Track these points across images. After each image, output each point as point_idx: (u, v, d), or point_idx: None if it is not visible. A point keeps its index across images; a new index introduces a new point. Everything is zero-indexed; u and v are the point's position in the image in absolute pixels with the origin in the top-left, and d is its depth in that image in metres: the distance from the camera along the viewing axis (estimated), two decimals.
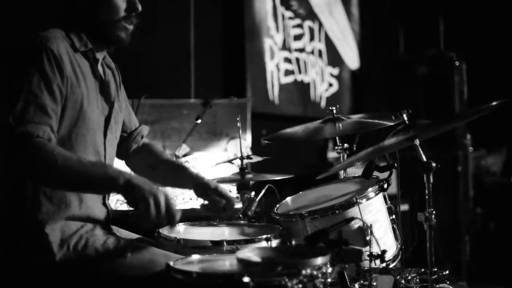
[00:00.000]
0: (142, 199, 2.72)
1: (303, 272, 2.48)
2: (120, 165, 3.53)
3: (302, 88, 8.46)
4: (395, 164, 3.50)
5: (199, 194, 3.41)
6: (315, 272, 2.51)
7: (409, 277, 3.33)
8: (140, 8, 3.14)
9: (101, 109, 3.15)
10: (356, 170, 4.52)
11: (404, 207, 6.29)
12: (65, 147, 2.92)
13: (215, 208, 3.39)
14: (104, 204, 3.20)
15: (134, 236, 3.38)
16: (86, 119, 3.00)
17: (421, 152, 2.94)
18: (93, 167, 2.81)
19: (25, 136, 2.73)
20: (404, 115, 3.05)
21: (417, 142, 2.97)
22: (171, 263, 2.64)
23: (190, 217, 3.60)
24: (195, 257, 2.84)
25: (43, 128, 2.78)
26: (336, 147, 4.35)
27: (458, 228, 8.05)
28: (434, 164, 2.89)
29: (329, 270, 2.61)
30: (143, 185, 2.75)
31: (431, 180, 2.90)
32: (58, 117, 2.88)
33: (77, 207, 3.01)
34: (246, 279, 2.39)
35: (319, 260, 2.55)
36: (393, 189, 3.72)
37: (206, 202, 3.43)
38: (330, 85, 9.04)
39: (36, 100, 2.79)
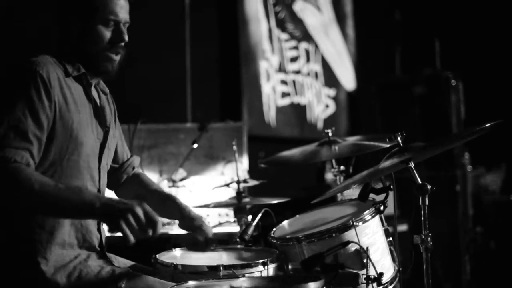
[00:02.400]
0: (120, 217, 2.70)
1: None
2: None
3: (299, 110, 8.47)
4: (391, 186, 3.50)
5: (182, 226, 3.39)
6: None
7: None
8: (126, 38, 3.13)
9: (96, 134, 3.15)
10: (352, 193, 4.51)
11: (402, 227, 6.26)
12: (56, 173, 2.92)
13: (194, 244, 3.38)
14: (99, 229, 3.19)
15: (130, 263, 3.36)
16: (79, 144, 2.99)
17: (416, 174, 2.95)
18: (70, 193, 2.78)
19: (2, 161, 2.72)
20: (399, 138, 3.06)
21: (411, 164, 2.98)
22: None
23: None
24: (191, 283, 2.83)
25: (21, 153, 2.76)
26: (332, 169, 4.35)
27: (458, 247, 8.03)
28: (429, 187, 2.89)
29: None
30: (117, 203, 2.74)
31: (427, 203, 2.90)
32: (41, 143, 2.86)
33: (70, 234, 3.00)
34: None
35: (312, 286, 2.55)
36: (390, 209, 3.72)
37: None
38: (327, 106, 9.06)
39: (18, 125, 2.78)
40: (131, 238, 2.73)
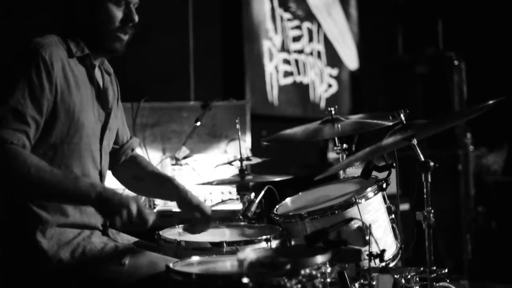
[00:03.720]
0: (114, 211, 2.73)
1: (302, 272, 2.48)
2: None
3: (301, 89, 8.46)
4: (394, 164, 3.51)
5: (181, 208, 3.40)
6: (314, 272, 2.52)
7: (409, 276, 3.33)
8: (136, 19, 3.13)
9: (98, 116, 3.14)
10: (355, 171, 4.52)
11: (404, 206, 6.28)
12: (57, 155, 2.92)
13: (194, 224, 3.38)
14: None
15: (133, 239, 3.38)
16: (80, 127, 2.99)
17: (419, 151, 2.95)
18: (65, 179, 2.80)
19: None
20: (402, 115, 3.06)
21: (414, 141, 2.98)
22: (171, 265, 2.65)
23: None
24: (195, 258, 2.85)
25: (18, 135, 2.76)
26: (335, 148, 4.36)
27: (460, 226, 8.05)
28: (432, 164, 2.90)
29: (328, 270, 2.62)
30: (113, 197, 2.76)
31: (429, 179, 2.91)
32: (39, 126, 2.86)
33: (73, 214, 3.01)
34: (245, 280, 2.40)
35: (319, 259, 2.56)
36: (393, 188, 3.73)
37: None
38: (329, 86, 9.05)
39: (16, 107, 2.78)
40: (118, 227, 2.80)
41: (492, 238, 8.33)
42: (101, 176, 3.19)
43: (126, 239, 3.32)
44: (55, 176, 2.76)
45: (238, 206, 4.42)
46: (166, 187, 3.41)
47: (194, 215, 3.33)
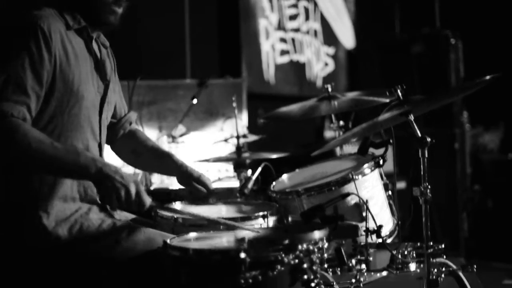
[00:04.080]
0: (113, 190, 2.73)
1: (300, 247, 2.49)
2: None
3: (298, 68, 8.45)
4: (391, 140, 3.51)
5: (182, 182, 3.40)
6: (311, 247, 2.52)
7: (406, 252, 3.34)
8: None
9: (97, 87, 3.13)
10: (352, 148, 4.53)
11: (401, 185, 6.29)
12: (57, 127, 2.90)
13: (196, 197, 3.38)
14: None
15: (131, 216, 3.37)
16: (80, 98, 2.97)
17: (416, 127, 2.94)
18: (66, 153, 2.78)
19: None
20: (399, 91, 3.05)
21: (411, 117, 2.97)
22: (168, 241, 2.65)
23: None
24: (192, 234, 2.85)
25: (18, 107, 2.74)
26: (331, 125, 4.36)
27: (456, 205, 8.07)
28: (429, 139, 2.89)
29: (326, 245, 2.62)
30: (114, 175, 2.75)
31: (426, 155, 2.90)
32: (39, 98, 2.84)
33: (72, 188, 3.00)
34: (242, 255, 2.40)
35: (316, 235, 2.57)
36: (390, 166, 3.74)
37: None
38: (326, 64, 9.04)
39: (17, 79, 2.76)
40: (114, 208, 2.84)
41: (488, 217, 8.34)
42: (100, 148, 3.18)
43: (123, 215, 3.31)
44: (56, 149, 2.75)
45: (235, 183, 4.42)
46: (166, 162, 3.42)
47: (195, 187, 3.33)
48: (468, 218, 8.24)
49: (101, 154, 3.18)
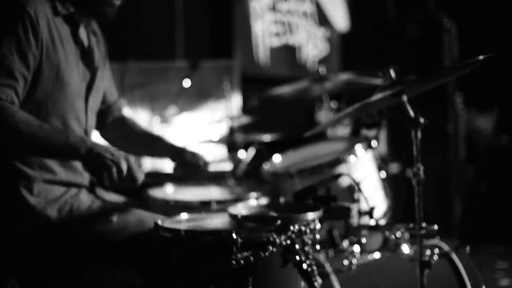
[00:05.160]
0: (104, 167, 2.70)
1: (292, 228, 2.48)
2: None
3: (291, 50, 8.42)
4: (383, 121, 3.50)
5: (175, 159, 3.38)
6: (303, 228, 2.52)
7: (399, 234, 3.33)
8: None
9: (82, 75, 3.10)
10: (344, 130, 4.52)
11: (395, 169, 6.28)
12: (41, 113, 2.88)
13: (190, 169, 3.36)
14: None
15: (121, 199, 3.36)
16: (65, 85, 2.94)
17: (409, 108, 2.92)
18: (54, 134, 2.76)
19: None
20: (391, 71, 3.02)
21: (404, 98, 2.95)
22: (159, 222, 2.64)
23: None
24: (184, 216, 2.84)
25: (6, 91, 2.72)
26: (324, 107, 4.35)
27: (449, 188, 8.07)
28: (422, 120, 2.87)
29: (318, 226, 2.62)
30: (104, 153, 2.72)
31: (419, 136, 2.88)
32: (27, 82, 2.82)
33: (59, 172, 2.98)
34: (234, 236, 2.39)
35: (309, 215, 2.56)
36: (383, 149, 3.73)
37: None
38: (319, 47, 9.01)
39: (4, 62, 2.74)
40: (106, 186, 2.79)
41: (482, 200, 8.34)
42: (86, 135, 3.16)
43: (114, 198, 3.30)
44: (44, 130, 2.73)
45: (228, 165, 4.41)
46: (156, 144, 3.42)
47: (189, 160, 3.32)
48: (461, 201, 8.24)
49: None
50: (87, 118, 3.14)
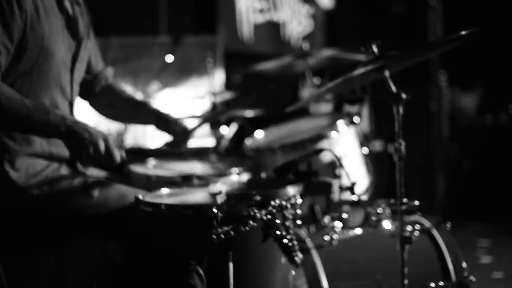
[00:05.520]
0: (82, 146, 2.70)
1: (272, 203, 2.48)
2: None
3: (275, 27, 8.39)
4: (365, 98, 3.49)
5: (160, 127, 3.38)
6: (284, 203, 2.51)
7: (380, 209, 3.32)
8: None
9: (68, 45, 3.08)
10: (327, 107, 4.52)
11: (378, 146, 6.29)
12: (25, 84, 2.86)
13: (176, 139, 3.36)
14: None
15: (102, 174, 3.35)
16: (49, 55, 2.92)
17: (391, 83, 2.91)
18: (35, 111, 2.72)
19: None
20: (374, 46, 3.01)
21: (386, 73, 2.94)
22: (140, 196, 2.63)
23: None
24: (165, 191, 2.83)
25: None
26: (307, 83, 4.35)
27: (432, 166, 8.10)
28: (404, 95, 2.86)
29: (299, 201, 2.61)
30: (83, 132, 2.71)
31: (401, 112, 2.87)
32: (9, 53, 2.78)
33: (41, 145, 2.96)
34: (214, 210, 2.39)
35: (289, 190, 2.56)
36: (367, 128, 3.73)
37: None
38: (304, 24, 8.98)
39: None
40: (84, 165, 2.86)
41: (464, 178, 8.37)
42: (71, 106, 3.14)
43: (95, 173, 3.28)
44: (25, 107, 2.71)
45: (210, 141, 4.40)
46: (142, 111, 3.41)
47: (174, 130, 3.32)
48: (444, 179, 8.27)
49: (71, 112, 3.14)
50: (72, 90, 3.12)
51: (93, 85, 3.42)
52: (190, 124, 3.41)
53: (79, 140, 2.70)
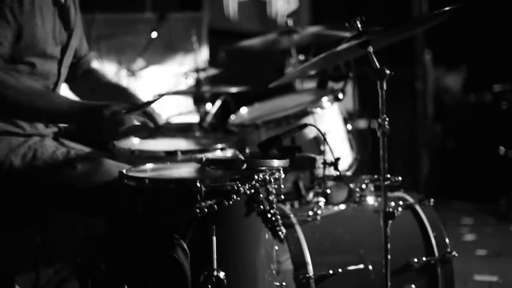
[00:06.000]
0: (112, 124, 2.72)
1: (256, 177, 2.48)
2: None
3: (260, 5, 8.37)
4: (350, 74, 3.49)
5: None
6: (267, 177, 2.51)
7: (363, 185, 3.33)
8: None
9: (59, 37, 3.06)
10: (312, 84, 4.53)
11: (363, 125, 6.30)
12: (11, 71, 2.86)
13: (144, 128, 3.36)
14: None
15: (86, 149, 3.34)
16: (39, 50, 2.91)
17: (374, 59, 2.91)
18: (46, 97, 2.78)
19: None
20: (358, 22, 3.00)
21: (370, 49, 2.94)
22: (124, 171, 2.63)
23: None
24: (149, 165, 2.83)
25: None
26: (292, 59, 4.34)
27: (416, 145, 8.13)
28: (387, 71, 2.86)
29: (282, 176, 2.61)
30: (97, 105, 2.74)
31: (385, 87, 2.87)
32: (9, 43, 2.79)
33: (26, 123, 2.96)
34: (198, 184, 2.39)
35: (274, 162, 2.56)
36: (352, 106, 3.73)
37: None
38: (289, 2, 8.96)
39: None
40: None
41: (449, 157, 8.39)
42: (54, 88, 3.13)
43: (78, 147, 3.27)
44: (36, 96, 2.73)
45: (195, 117, 4.39)
46: (122, 95, 3.39)
47: (144, 120, 3.32)
48: (429, 158, 8.30)
49: None
50: (59, 79, 3.11)
51: (76, 68, 3.41)
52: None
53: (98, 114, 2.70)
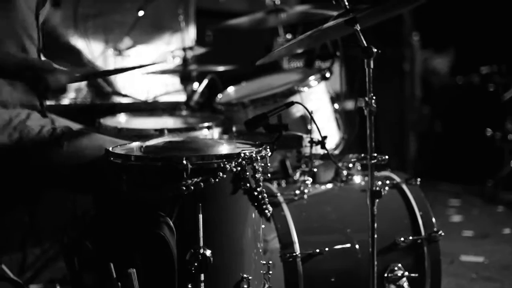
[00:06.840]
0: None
1: (242, 154, 2.47)
2: None
3: None
4: (337, 53, 3.48)
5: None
6: (254, 155, 2.51)
7: (350, 164, 3.32)
8: None
9: None
10: (299, 63, 4.51)
11: (350, 105, 6.29)
12: None
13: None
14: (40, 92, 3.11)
15: (75, 126, 3.31)
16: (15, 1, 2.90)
17: (362, 37, 2.90)
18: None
19: None
20: (345, 0, 2.98)
21: (357, 27, 2.92)
22: (110, 148, 2.61)
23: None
24: (135, 144, 2.82)
25: None
26: (279, 38, 4.33)
27: (404, 127, 8.13)
28: (374, 49, 2.84)
29: (269, 153, 2.61)
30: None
31: (372, 66, 2.86)
32: None
33: (10, 93, 2.93)
34: (184, 162, 2.38)
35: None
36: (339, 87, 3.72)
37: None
38: None
39: None
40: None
41: (436, 139, 8.41)
42: (40, 53, 3.09)
43: (64, 123, 3.23)
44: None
45: (182, 97, 4.38)
46: (74, 58, 3.40)
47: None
48: (416, 140, 8.31)
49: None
50: (39, 36, 3.08)
51: None
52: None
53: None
